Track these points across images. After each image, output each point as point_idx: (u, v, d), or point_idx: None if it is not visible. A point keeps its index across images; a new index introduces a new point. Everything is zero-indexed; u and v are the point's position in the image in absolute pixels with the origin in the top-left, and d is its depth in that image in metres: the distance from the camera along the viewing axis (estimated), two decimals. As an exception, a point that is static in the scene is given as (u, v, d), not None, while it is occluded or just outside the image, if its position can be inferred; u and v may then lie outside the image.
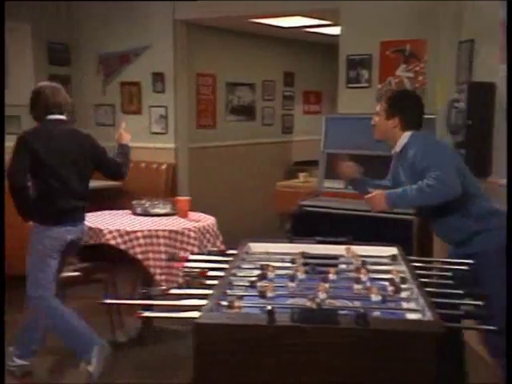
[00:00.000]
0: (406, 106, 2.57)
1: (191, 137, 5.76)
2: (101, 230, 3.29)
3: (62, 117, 3.00)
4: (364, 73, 4.32)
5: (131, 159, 5.53)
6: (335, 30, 4.88)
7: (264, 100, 6.84)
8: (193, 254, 2.42)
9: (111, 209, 3.98)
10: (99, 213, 3.73)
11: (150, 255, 3.29)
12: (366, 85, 4.34)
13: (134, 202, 3.74)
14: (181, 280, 3.26)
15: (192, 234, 3.41)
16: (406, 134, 2.56)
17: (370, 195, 2.51)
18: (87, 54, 5.87)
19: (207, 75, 6.05)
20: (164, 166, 5.49)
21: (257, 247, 2.42)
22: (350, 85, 4.38)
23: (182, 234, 3.38)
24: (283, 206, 4.78)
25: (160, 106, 5.55)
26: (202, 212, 3.86)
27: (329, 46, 6.34)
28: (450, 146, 2.85)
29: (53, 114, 2.96)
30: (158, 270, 3.29)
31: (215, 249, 2.46)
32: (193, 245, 3.40)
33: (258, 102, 6.75)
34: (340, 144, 4.04)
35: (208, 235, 3.51)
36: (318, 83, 7.43)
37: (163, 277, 3.30)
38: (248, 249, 2.41)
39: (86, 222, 3.32)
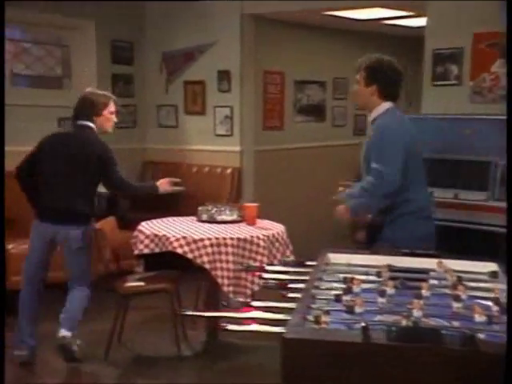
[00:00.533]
0: (384, 75, 2.84)
1: (257, 139, 5.80)
2: (167, 238, 3.36)
3: (87, 123, 3.39)
4: (453, 68, 4.18)
5: (195, 163, 5.68)
6: (419, 22, 4.78)
7: (335, 99, 6.80)
8: (269, 264, 2.43)
9: (172, 214, 4.08)
10: (164, 219, 3.82)
11: (218, 264, 3.33)
12: (455, 82, 4.18)
13: (199, 209, 3.81)
14: (249, 291, 3.35)
15: (261, 243, 3.43)
16: (383, 106, 2.84)
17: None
18: (150, 52, 6.03)
19: (275, 73, 6.08)
20: (229, 170, 5.56)
21: (337, 258, 2.41)
22: (437, 82, 4.25)
23: (251, 242, 3.41)
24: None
25: (225, 106, 5.63)
26: (269, 219, 3.88)
27: (409, 39, 6.23)
28: (411, 132, 2.86)
29: (80, 119, 3.41)
30: (226, 281, 3.32)
31: (292, 259, 2.46)
32: (262, 254, 3.42)
33: (329, 101, 6.73)
34: (423, 148, 3.96)
35: (277, 244, 3.52)
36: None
37: (231, 288, 3.34)
38: (328, 260, 2.40)
39: (149, 229, 3.46)
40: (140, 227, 3.59)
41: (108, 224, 3.61)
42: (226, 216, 3.76)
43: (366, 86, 2.88)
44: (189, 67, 5.83)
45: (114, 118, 3.53)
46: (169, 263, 3.63)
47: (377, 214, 2.83)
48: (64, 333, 3.33)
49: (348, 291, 1.98)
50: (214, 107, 5.70)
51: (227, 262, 3.33)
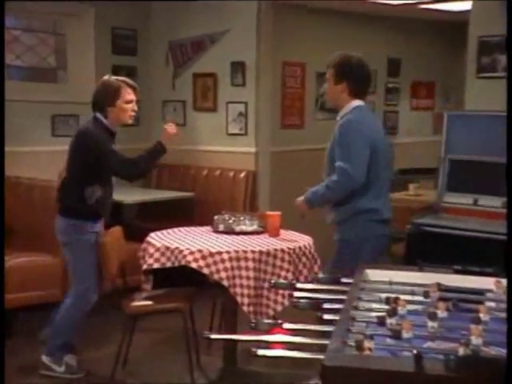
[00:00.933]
0: (352, 72, 3.15)
1: (275, 139, 5.82)
2: (181, 251, 3.36)
3: (96, 114, 3.53)
4: (501, 58, 4.16)
5: (205, 165, 5.71)
6: (461, 5, 4.76)
7: (363, 94, 6.85)
8: (299, 281, 2.44)
9: (183, 223, 4.09)
10: (175, 230, 3.83)
11: (237, 281, 3.33)
12: (504, 74, 4.13)
13: (215, 218, 3.81)
14: (271, 312, 3.36)
15: (286, 257, 3.43)
16: (351, 104, 3.15)
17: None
18: (156, 41, 6.08)
19: (295, 64, 6.11)
20: (242, 174, 5.58)
21: (377, 275, 2.41)
22: (483, 74, 4.22)
23: (274, 256, 3.41)
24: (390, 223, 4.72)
25: (239, 102, 5.65)
26: (291, 229, 3.88)
27: (448, 24, 6.22)
28: (377, 129, 3.19)
29: (94, 111, 3.57)
30: (246, 299, 3.33)
31: (325, 275, 2.47)
32: (287, 270, 3.42)
33: (356, 97, 6.76)
34: (466, 148, 3.97)
35: (304, 258, 3.53)
36: (431, 72, 7.31)
37: (251, 307, 3.34)
38: (366, 276, 2.41)
39: (159, 240, 3.51)
40: (149, 239, 3.60)
41: (113, 234, 3.62)
42: (246, 226, 3.76)
43: (336, 83, 3.20)
44: (198, 58, 5.86)
45: (133, 107, 3.54)
46: (181, 279, 3.64)
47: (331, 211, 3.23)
48: (43, 358, 3.50)
49: (392, 313, 1.98)
50: (226, 103, 5.72)
51: (248, 278, 3.33)
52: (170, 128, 3.63)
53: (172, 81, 6.05)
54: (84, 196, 3.50)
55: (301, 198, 3.30)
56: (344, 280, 2.39)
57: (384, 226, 3.28)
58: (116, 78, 3.56)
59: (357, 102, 3.19)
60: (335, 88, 3.20)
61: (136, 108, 3.57)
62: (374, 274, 2.42)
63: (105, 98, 3.48)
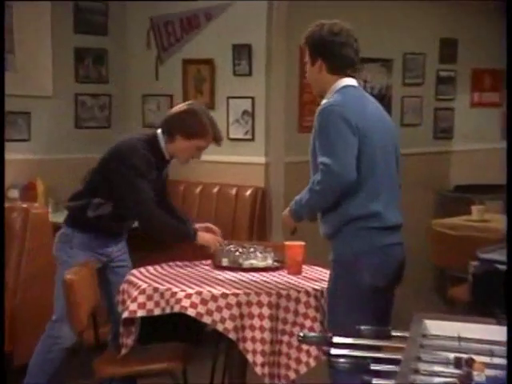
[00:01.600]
0: (326, 44, 3.27)
1: (290, 145, 5.83)
2: (173, 294, 3.36)
3: (157, 132, 3.92)
4: None
5: (199, 181, 5.74)
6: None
7: (405, 85, 6.85)
8: (334, 333, 2.43)
9: (172, 256, 4.08)
10: (164, 265, 3.84)
11: (248, 333, 3.33)
12: None
13: (220, 248, 3.84)
14: (293, 375, 3.35)
15: (312, 302, 3.43)
16: (337, 85, 3.24)
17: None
18: (133, 17, 6.13)
19: (318, 48, 6.13)
20: (248, 192, 5.60)
21: (440, 327, 2.41)
22: None
23: (297, 300, 3.41)
24: (445, 258, 4.74)
25: (244, 97, 5.67)
26: (316, 263, 3.90)
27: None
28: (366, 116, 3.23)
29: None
30: (260, 358, 3.32)
31: (370, 327, 2.47)
32: (313, 319, 3.42)
33: (396, 89, 6.78)
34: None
35: (335, 303, 3.53)
36: (497, 58, 7.32)
37: (266, 369, 3.33)
38: (425, 329, 2.40)
39: (144, 279, 3.56)
40: (130, 277, 3.59)
41: (83, 270, 3.62)
42: (257, 261, 3.77)
43: (312, 64, 3.32)
44: (190, 40, 5.91)
45: (198, 155, 3.94)
46: (173, 332, 3.64)
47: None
48: None
49: (466, 380, 1.97)
50: (226, 98, 5.75)
51: (262, 329, 3.32)
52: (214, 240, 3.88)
53: (155, 69, 6.10)
54: (87, 206, 3.83)
55: (286, 211, 3.39)
56: (395, 333, 2.39)
57: (391, 234, 3.29)
58: (208, 113, 3.92)
59: (343, 82, 3.28)
60: (313, 69, 3.32)
61: (199, 157, 3.96)
62: (435, 327, 2.41)
63: (185, 128, 3.81)
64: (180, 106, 3.94)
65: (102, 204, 3.83)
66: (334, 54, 3.28)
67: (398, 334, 2.38)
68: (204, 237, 3.86)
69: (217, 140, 3.88)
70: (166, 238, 4.03)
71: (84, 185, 3.97)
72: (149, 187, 3.77)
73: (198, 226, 3.95)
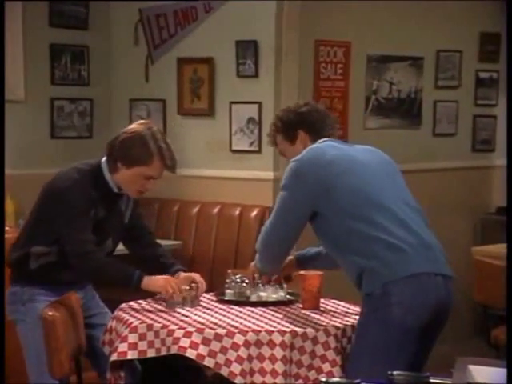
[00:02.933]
0: (302, 112, 3.65)
1: (303, 158, 5.86)
2: (170, 332, 3.36)
3: (102, 161, 3.93)
4: None
5: (196, 200, 5.74)
6: None
7: (438, 88, 6.86)
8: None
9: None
10: (160, 300, 3.83)
11: (258, 378, 3.33)
12: None
13: (227, 281, 3.87)
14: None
15: (331, 342, 3.43)
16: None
17: None
18: (119, 8, 6.17)
19: (335, 44, 6.17)
20: (254, 212, 5.64)
21: (486, 375, 2.42)
22: None
23: (314, 340, 3.41)
24: (487, 292, 4.73)
25: (249, 103, 5.70)
26: (336, 296, 3.92)
27: None
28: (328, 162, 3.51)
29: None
30: (273, 410, 3.33)
31: (404, 373, 2.48)
32: (333, 362, 3.41)
33: (428, 92, 6.78)
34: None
35: (359, 344, 3.54)
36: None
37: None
38: (470, 377, 2.41)
39: (135, 315, 3.58)
40: (120, 313, 3.60)
41: (65, 306, 3.64)
42: (268, 293, 3.78)
43: (293, 142, 3.68)
44: (186, 35, 5.94)
45: (147, 186, 3.84)
46: (169, 376, 3.64)
47: None
48: None
49: None
50: (229, 104, 5.79)
51: (274, 373, 3.32)
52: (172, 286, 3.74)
53: (145, 69, 6.13)
54: (28, 256, 3.79)
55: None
56: (434, 380, 2.41)
57: (425, 260, 3.40)
58: (158, 137, 3.80)
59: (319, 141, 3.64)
60: (295, 147, 3.64)
61: (150, 188, 3.86)
62: (482, 374, 2.41)
63: (125, 156, 3.75)
64: (126, 129, 3.90)
65: (44, 252, 3.80)
66: (312, 119, 3.64)
67: (438, 381, 2.39)
68: (153, 282, 3.75)
69: (168, 168, 3.82)
70: (101, 278, 3.90)
71: (21, 232, 3.99)
72: (88, 227, 3.75)
73: (182, 275, 3.89)
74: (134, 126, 3.88)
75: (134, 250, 4.09)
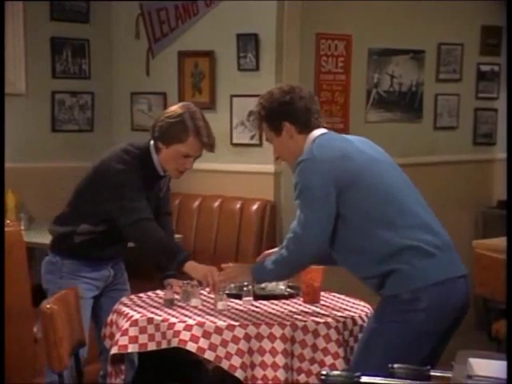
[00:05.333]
0: (286, 101, 3.48)
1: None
2: (171, 325, 3.37)
3: (150, 143, 3.97)
4: None
5: (196, 193, 5.74)
6: None
7: (440, 81, 6.85)
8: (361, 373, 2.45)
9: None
10: (159, 292, 3.85)
11: (259, 371, 3.34)
12: None
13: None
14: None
15: (333, 335, 3.44)
16: (308, 141, 3.45)
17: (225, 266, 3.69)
18: (119, 2, 6.16)
19: (336, 37, 6.16)
20: (255, 206, 5.63)
21: (486, 368, 2.42)
22: None
23: (315, 333, 3.42)
24: (488, 285, 4.72)
25: (250, 96, 5.64)
26: (336, 290, 3.92)
27: None
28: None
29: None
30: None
31: (405, 366, 2.48)
32: (334, 354, 3.42)
33: (429, 86, 6.77)
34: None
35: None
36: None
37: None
38: (471, 369, 2.41)
39: (136, 308, 3.59)
40: (120, 306, 3.62)
41: (65, 299, 3.63)
42: (269, 287, 3.79)
43: (278, 134, 3.53)
44: (187, 29, 5.94)
45: (186, 165, 3.90)
46: (170, 369, 3.65)
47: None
48: None
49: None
50: (230, 97, 5.79)
51: (275, 366, 3.33)
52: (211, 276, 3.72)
53: (146, 63, 6.12)
54: (74, 232, 3.93)
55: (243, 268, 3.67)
56: (435, 373, 2.41)
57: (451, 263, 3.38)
58: (197, 115, 3.87)
59: (314, 134, 3.48)
60: (281, 139, 3.52)
61: (189, 167, 3.92)
62: (482, 367, 2.42)
63: (164, 134, 3.83)
64: (166, 110, 3.99)
65: (91, 231, 3.92)
66: (297, 109, 3.49)
67: (438, 374, 2.39)
68: (196, 268, 3.75)
69: (205, 145, 3.87)
70: (151, 245, 3.90)
71: (69, 207, 4.04)
72: (142, 198, 3.82)
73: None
74: (173, 107, 3.94)
75: None
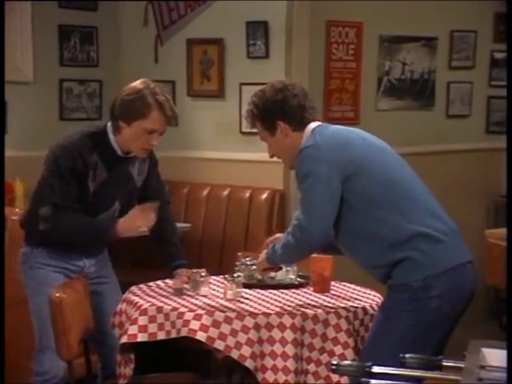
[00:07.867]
0: (279, 100, 3.46)
1: (314, 140, 5.85)
2: (180, 314, 3.38)
3: (107, 124, 3.90)
4: None
5: (205, 182, 5.71)
6: None
7: (453, 68, 6.83)
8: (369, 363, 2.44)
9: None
10: (169, 281, 3.85)
11: (268, 361, 3.34)
12: None
13: (237, 264, 3.87)
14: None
15: (343, 325, 3.44)
16: (305, 135, 3.46)
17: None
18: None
19: (347, 24, 6.15)
20: (264, 195, 5.64)
21: (500, 358, 2.40)
22: None
23: (325, 323, 3.43)
24: (500, 275, 4.71)
25: (259, 84, 5.55)
26: (346, 279, 3.91)
27: None
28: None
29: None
30: (285, 394, 3.33)
31: (417, 356, 2.47)
32: (344, 344, 3.42)
33: (442, 73, 6.76)
34: None
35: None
36: None
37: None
38: (483, 359, 2.40)
39: (145, 297, 3.59)
40: (130, 295, 3.62)
41: (73, 288, 3.64)
42: (279, 276, 3.79)
43: (273, 133, 3.52)
44: (196, 16, 5.92)
45: (151, 141, 3.78)
46: (179, 359, 3.64)
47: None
48: None
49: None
50: (239, 85, 5.78)
51: (284, 356, 3.33)
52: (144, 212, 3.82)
53: (154, 50, 6.11)
54: (37, 218, 3.79)
55: (262, 254, 3.62)
56: (447, 363, 2.40)
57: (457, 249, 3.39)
58: (156, 90, 3.78)
59: (310, 128, 3.48)
60: (276, 138, 3.52)
61: (156, 143, 3.80)
62: (495, 357, 2.41)
63: (124, 112, 3.73)
64: (124, 88, 3.88)
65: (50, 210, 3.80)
66: (291, 107, 3.47)
67: (451, 364, 2.38)
68: (125, 219, 3.80)
69: (169, 119, 3.75)
70: (73, 239, 3.88)
71: (32, 195, 4.00)
72: (68, 192, 3.76)
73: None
74: (131, 84, 3.84)
75: None
